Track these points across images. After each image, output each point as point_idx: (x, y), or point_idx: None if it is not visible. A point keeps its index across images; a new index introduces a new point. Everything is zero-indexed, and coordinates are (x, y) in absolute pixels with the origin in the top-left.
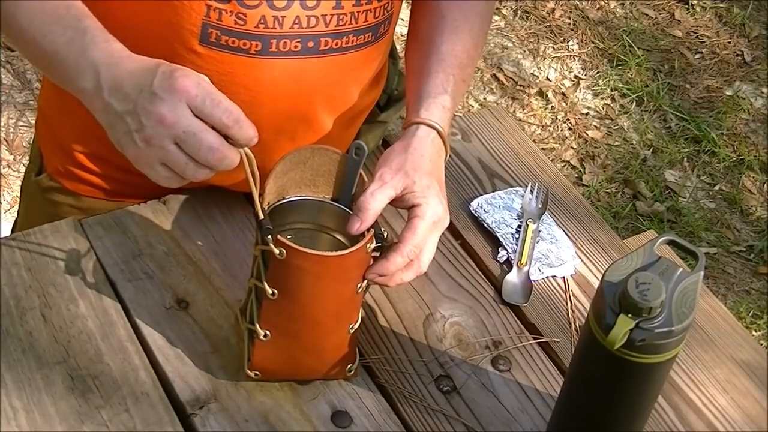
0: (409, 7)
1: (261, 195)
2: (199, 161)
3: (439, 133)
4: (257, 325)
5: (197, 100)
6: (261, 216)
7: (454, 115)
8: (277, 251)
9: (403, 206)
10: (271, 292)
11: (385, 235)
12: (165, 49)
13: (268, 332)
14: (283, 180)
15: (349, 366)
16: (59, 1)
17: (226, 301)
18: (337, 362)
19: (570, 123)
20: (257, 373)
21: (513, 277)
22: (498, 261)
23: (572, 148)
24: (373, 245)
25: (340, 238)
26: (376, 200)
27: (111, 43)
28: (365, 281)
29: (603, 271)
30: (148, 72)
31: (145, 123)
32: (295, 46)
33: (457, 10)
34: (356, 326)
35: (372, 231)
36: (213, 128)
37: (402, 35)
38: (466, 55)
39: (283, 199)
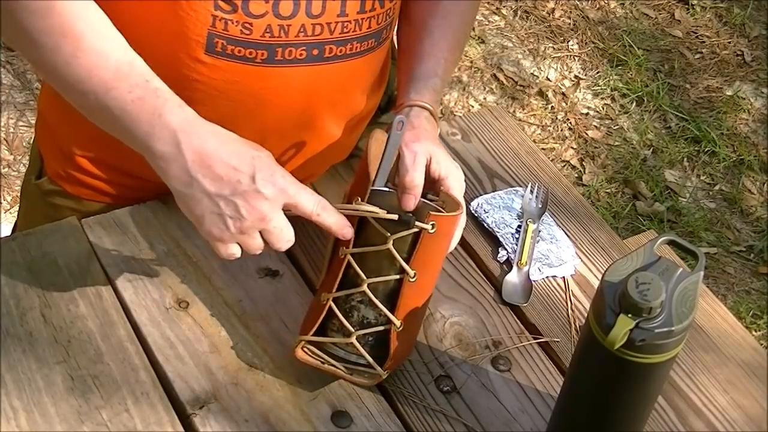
0: None
1: (362, 195)
2: (273, 248)
3: (430, 112)
4: (393, 318)
5: (293, 198)
6: (394, 216)
7: (454, 114)
8: (429, 227)
9: (428, 176)
10: (413, 274)
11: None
12: (171, 59)
13: (401, 320)
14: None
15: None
16: (119, 55)
17: (226, 301)
18: (421, 324)
19: (570, 123)
20: (388, 371)
21: (513, 277)
22: (498, 261)
23: (572, 148)
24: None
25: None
26: (417, 172)
27: (185, 107)
28: None
29: (603, 271)
30: (243, 161)
31: (245, 216)
32: (300, 54)
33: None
34: None
35: (459, 202)
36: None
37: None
38: (455, 39)
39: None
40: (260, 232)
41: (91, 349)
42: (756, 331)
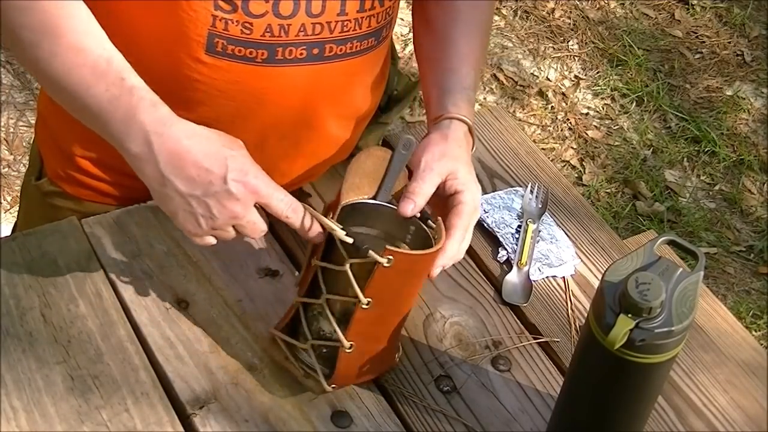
0: (409, 7)
1: (334, 210)
2: (246, 236)
3: (469, 128)
4: (343, 338)
5: (264, 199)
6: (349, 239)
7: None
8: (385, 261)
9: (444, 193)
10: (366, 301)
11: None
12: (171, 60)
13: (353, 343)
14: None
15: (397, 354)
16: (98, 52)
17: (226, 301)
18: (393, 352)
19: (570, 123)
20: (335, 386)
21: (513, 277)
22: (498, 261)
23: (572, 148)
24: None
25: (381, 234)
26: (426, 183)
27: (159, 107)
28: None
29: (603, 271)
30: (216, 161)
31: (217, 215)
32: (301, 54)
33: (469, 2)
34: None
35: (443, 227)
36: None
37: (401, 35)
38: (480, 46)
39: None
40: (233, 226)
41: (91, 349)
42: (756, 331)
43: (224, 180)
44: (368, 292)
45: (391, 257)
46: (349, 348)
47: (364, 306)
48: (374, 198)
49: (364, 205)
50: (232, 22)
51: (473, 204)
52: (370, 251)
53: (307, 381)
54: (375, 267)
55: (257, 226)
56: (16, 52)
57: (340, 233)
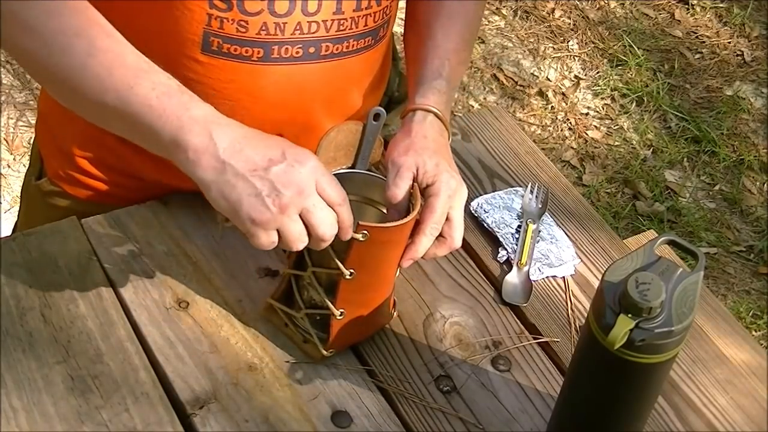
0: None
1: None
2: (313, 234)
3: (436, 115)
4: (332, 307)
5: (323, 177)
6: None
7: (454, 114)
8: (360, 236)
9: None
10: (348, 273)
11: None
12: (167, 59)
13: (343, 310)
14: None
15: (393, 310)
16: (136, 55)
17: (226, 301)
18: (388, 310)
19: (570, 123)
20: (332, 350)
21: (513, 277)
22: (498, 261)
23: (572, 148)
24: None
25: (370, 203)
26: (399, 188)
27: (205, 103)
28: None
29: (603, 271)
30: (273, 143)
31: (282, 191)
32: (297, 52)
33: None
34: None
35: (420, 196)
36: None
37: (401, 35)
38: (461, 38)
39: None
40: (300, 213)
41: (91, 349)
42: (756, 331)
43: (284, 155)
44: (349, 264)
45: (365, 232)
46: (340, 315)
47: (347, 277)
48: (352, 167)
49: (343, 175)
50: (228, 21)
51: (446, 192)
52: None
53: (305, 346)
54: (351, 242)
55: (325, 214)
56: (41, 59)
57: None
